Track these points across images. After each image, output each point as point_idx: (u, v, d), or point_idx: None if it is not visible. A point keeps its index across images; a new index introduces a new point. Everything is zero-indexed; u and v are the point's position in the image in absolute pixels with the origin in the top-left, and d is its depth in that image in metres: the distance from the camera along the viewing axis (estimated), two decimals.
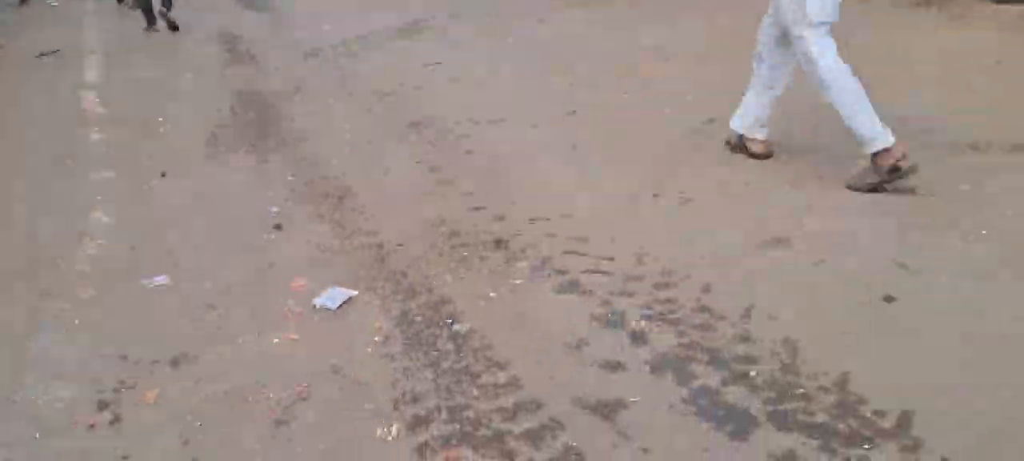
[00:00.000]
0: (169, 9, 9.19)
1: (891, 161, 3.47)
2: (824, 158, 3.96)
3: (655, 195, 3.73)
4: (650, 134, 4.56)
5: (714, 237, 3.28)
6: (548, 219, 3.56)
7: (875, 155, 3.52)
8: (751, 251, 3.14)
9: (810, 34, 3.57)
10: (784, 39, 3.81)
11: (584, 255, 3.20)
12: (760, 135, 4.06)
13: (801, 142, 4.19)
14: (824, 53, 3.57)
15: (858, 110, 3.52)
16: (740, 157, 4.09)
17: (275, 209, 3.91)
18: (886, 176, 3.50)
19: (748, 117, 4.07)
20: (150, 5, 9.20)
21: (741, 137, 4.12)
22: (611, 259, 3.14)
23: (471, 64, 6.68)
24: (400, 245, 3.45)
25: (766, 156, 4.05)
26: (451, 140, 4.80)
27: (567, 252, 3.24)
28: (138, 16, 9.37)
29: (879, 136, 3.49)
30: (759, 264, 3.03)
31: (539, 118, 5.07)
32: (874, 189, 3.54)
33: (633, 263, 3.10)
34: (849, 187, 3.62)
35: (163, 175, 4.49)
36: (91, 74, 7.28)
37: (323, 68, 6.93)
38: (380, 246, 3.46)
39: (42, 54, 8.03)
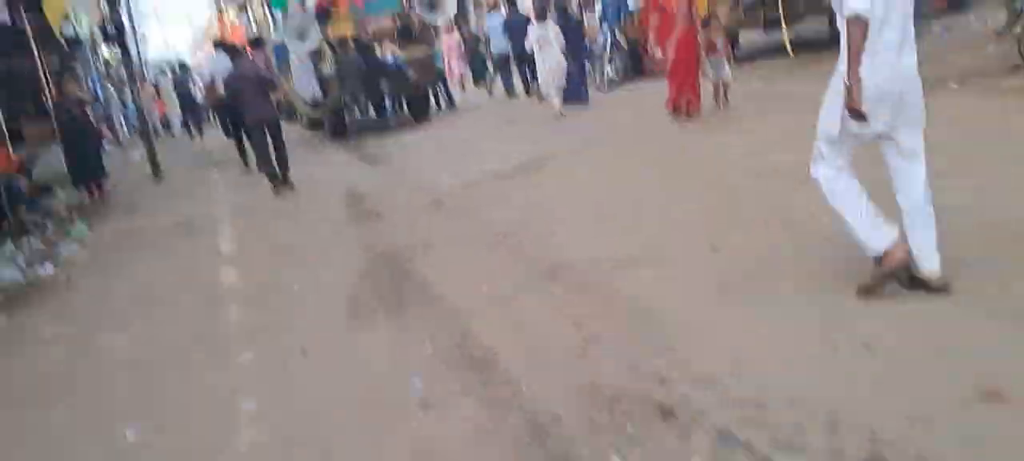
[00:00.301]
0: (286, 169, 9.58)
1: (894, 263, 3.59)
2: (1012, 283, 3.54)
3: (832, 342, 3.39)
4: (808, 270, 4.22)
5: (912, 392, 2.90)
6: (715, 378, 3.26)
7: (878, 259, 3.63)
8: (962, 410, 2.75)
9: (822, 149, 3.70)
10: (896, 158, 3.67)
11: (767, 424, 2.87)
12: (930, 265, 3.67)
13: (984, 267, 3.77)
14: (826, 179, 3.72)
15: (861, 220, 3.63)
16: (916, 293, 3.69)
17: (420, 384, 3.75)
18: (887, 276, 3.63)
19: (912, 249, 3.70)
20: (274, 169, 9.58)
21: (911, 276, 3.74)
22: (800, 426, 2.81)
23: (598, 200, 6.55)
24: (557, 419, 3.21)
25: (942, 288, 3.65)
26: (591, 288, 4.59)
27: (745, 419, 2.93)
28: (262, 181, 9.77)
29: (884, 237, 3.60)
30: (977, 426, 2.64)
31: (680, 257, 4.83)
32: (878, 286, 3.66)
33: (828, 431, 2.75)
34: (860, 293, 3.71)
35: (304, 353, 4.43)
36: (225, 244, 7.51)
37: (449, 218, 6.92)
38: (535, 420, 3.23)
39: (176, 225, 8.40)
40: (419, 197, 7.95)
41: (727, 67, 8.84)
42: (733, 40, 8.88)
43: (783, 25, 12.11)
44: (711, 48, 8.77)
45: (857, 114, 3.42)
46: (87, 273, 7.29)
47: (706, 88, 9.34)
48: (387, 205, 7.91)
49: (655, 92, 12.05)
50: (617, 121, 10.49)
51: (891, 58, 3.46)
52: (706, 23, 9.08)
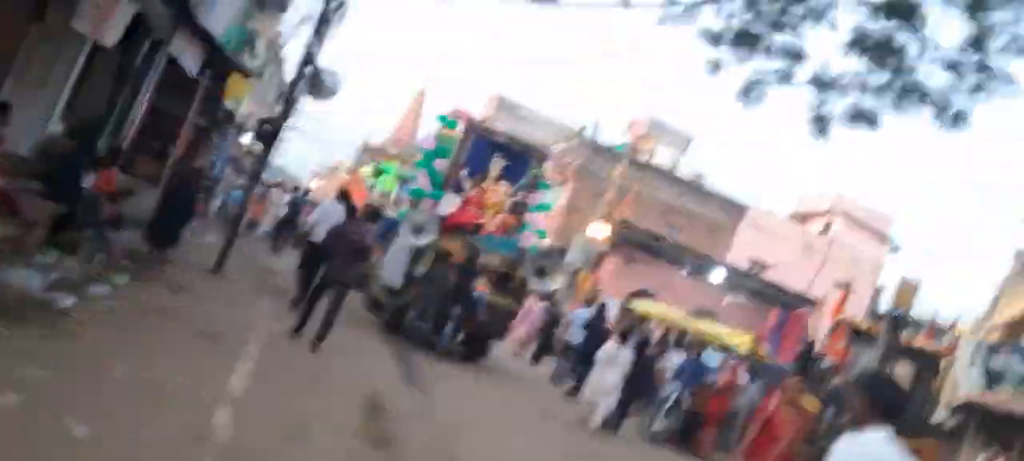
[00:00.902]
0: (325, 332, 9.19)
1: None
2: None
3: None
4: None
5: None
6: None
7: None
8: None
9: None
10: None
11: None
12: None
13: None
14: None
15: None
16: None
17: None
18: None
19: None
20: (305, 318, 9.30)
21: None
22: None
23: None
24: None
25: None
26: None
27: None
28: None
29: None
30: None
31: None
32: None
33: None
34: None
35: None
36: (237, 380, 7.01)
37: None
38: None
39: (205, 328, 8.03)
40: (440, 447, 7.39)
41: None
42: None
43: None
44: None
45: None
46: (99, 329, 6.91)
47: None
48: (405, 437, 7.36)
49: None
50: None
51: None
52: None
